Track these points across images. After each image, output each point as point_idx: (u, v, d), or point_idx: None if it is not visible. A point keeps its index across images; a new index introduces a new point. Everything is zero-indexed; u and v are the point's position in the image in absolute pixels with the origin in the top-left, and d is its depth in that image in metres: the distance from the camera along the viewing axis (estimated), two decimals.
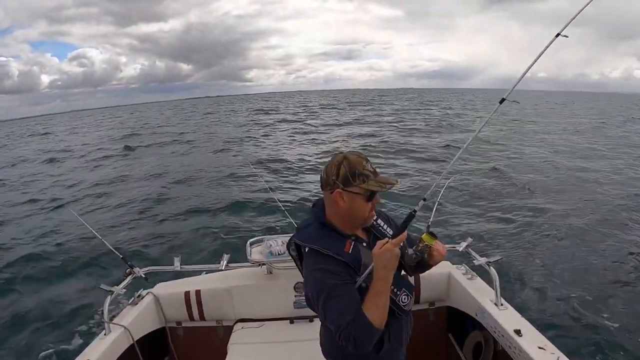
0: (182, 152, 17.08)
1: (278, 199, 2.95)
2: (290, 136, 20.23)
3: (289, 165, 12.34)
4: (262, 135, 20.87)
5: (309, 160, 13.11)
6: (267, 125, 26.21)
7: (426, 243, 1.27)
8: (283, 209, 2.86)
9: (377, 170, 1.31)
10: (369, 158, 1.32)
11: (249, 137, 20.56)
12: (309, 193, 8.90)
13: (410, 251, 1.27)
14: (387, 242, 1.23)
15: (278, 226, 6.68)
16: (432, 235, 1.28)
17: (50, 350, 3.93)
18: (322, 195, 1.37)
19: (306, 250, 1.34)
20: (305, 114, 35.19)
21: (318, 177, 1.36)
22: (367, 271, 1.26)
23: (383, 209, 1.50)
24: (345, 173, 1.27)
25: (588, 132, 20.25)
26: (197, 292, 2.44)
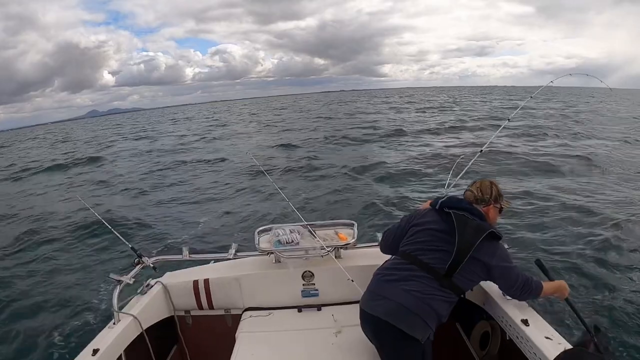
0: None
1: (281, 190, 2.94)
2: None
3: None
4: None
5: None
6: None
7: None
8: (287, 200, 2.86)
9: None
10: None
11: None
12: None
13: None
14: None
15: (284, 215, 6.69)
16: None
17: (58, 339, 3.95)
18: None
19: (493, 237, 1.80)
20: None
21: None
22: None
23: None
24: (496, 194, 1.93)
25: None
26: (206, 281, 2.45)
